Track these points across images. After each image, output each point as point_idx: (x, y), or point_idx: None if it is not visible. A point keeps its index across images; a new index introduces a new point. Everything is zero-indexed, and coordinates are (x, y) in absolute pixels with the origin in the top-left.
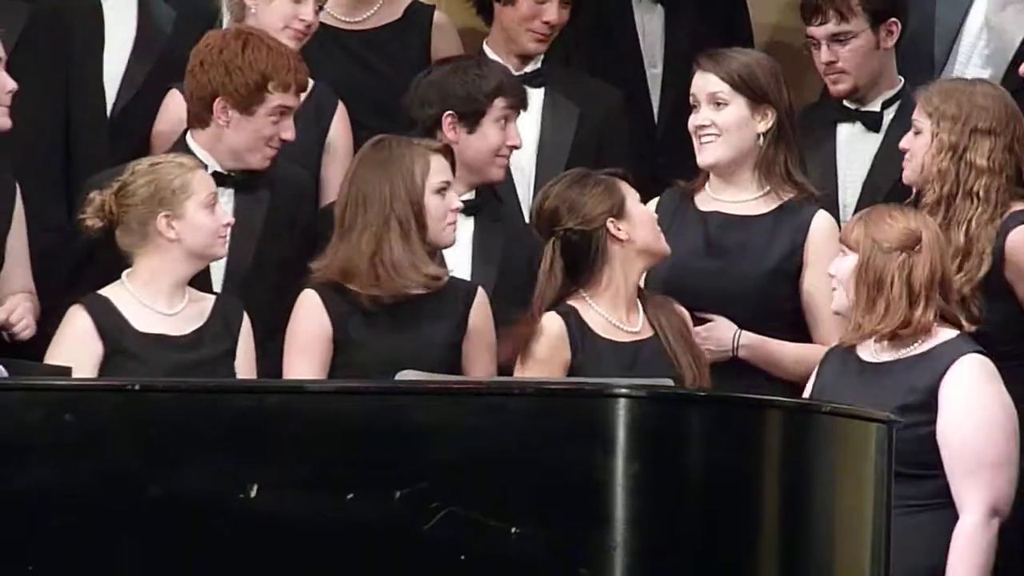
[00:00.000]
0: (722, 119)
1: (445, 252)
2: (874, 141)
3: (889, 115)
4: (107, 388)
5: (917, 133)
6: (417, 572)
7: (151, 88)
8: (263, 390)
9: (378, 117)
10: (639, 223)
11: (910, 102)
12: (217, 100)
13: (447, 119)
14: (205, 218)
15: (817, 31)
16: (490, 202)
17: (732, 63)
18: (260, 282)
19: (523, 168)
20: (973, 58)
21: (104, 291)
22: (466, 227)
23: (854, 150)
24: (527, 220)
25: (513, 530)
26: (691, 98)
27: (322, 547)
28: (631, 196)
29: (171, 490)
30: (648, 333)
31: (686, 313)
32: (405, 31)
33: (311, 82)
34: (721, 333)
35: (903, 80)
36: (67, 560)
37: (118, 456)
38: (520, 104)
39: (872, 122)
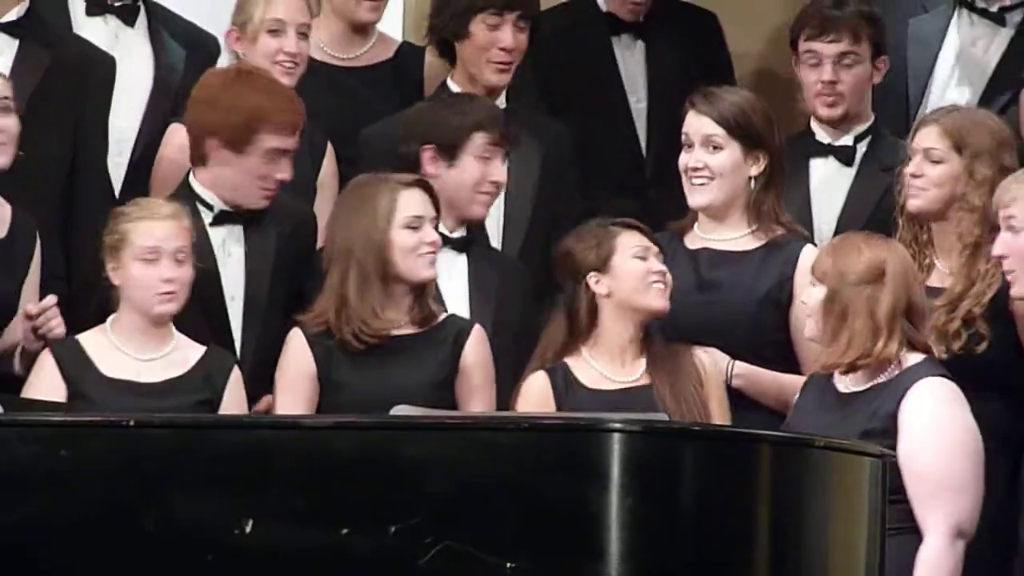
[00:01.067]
0: (716, 163)
1: (443, 289)
2: (847, 175)
3: (861, 149)
4: (102, 424)
5: (936, 163)
6: None
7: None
8: (257, 425)
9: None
10: (624, 278)
11: (881, 137)
12: (210, 138)
13: (425, 152)
14: (138, 272)
15: (825, 48)
16: (483, 239)
17: (727, 105)
18: (276, 318)
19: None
20: (947, 94)
21: (83, 334)
22: (460, 264)
23: (828, 185)
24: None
25: (508, 564)
26: (684, 137)
27: None
28: (624, 250)
29: (166, 525)
30: (645, 381)
31: (708, 364)
32: (398, 69)
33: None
34: (716, 362)
35: (874, 116)
36: None
37: (113, 491)
38: (504, 141)
39: (845, 156)
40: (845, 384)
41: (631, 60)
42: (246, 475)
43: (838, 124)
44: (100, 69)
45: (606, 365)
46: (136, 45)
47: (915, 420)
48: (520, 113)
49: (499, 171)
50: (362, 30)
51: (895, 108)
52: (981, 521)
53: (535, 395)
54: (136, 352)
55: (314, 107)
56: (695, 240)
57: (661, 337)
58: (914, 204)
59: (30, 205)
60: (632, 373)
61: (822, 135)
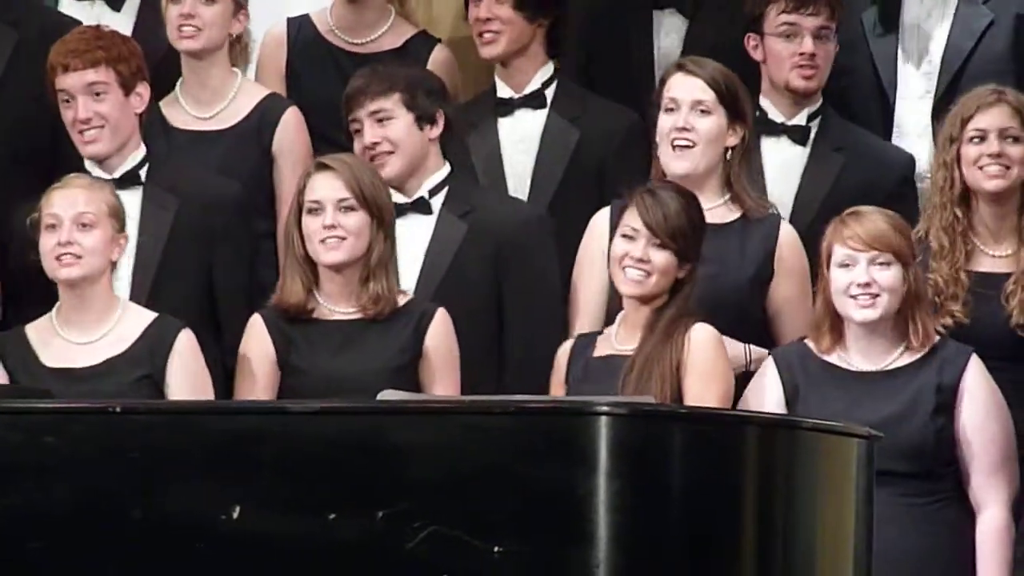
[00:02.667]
0: (704, 127)
1: (402, 253)
2: (801, 155)
3: (814, 128)
4: (88, 411)
5: (1016, 140)
6: None
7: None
8: (244, 411)
9: None
10: (611, 257)
11: (831, 117)
12: None
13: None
14: (42, 240)
15: (805, 20)
16: (460, 193)
17: (715, 71)
18: (171, 291)
19: (518, 194)
20: (914, 73)
21: (31, 324)
22: (426, 224)
23: (781, 164)
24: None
25: (496, 549)
26: (667, 101)
27: (305, 568)
28: (620, 227)
29: (152, 512)
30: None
31: (699, 331)
32: (402, 59)
33: (262, 93)
34: (733, 349)
35: (822, 97)
36: None
37: (99, 478)
38: (355, 106)
39: (799, 136)
40: (856, 363)
41: (668, 38)
42: (233, 461)
43: (803, 99)
44: (72, 27)
45: (620, 334)
46: (121, 30)
47: (980, 393)
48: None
49: (368, 135)
50: (368, 17)
51: (871, 98)
52: None
53: (556, 361)
54: (77, 336)
55: (311, 84)
56: None
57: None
58: (998, 184)
59: (11, 179)
60: (630, 343)
61: (775, 114)
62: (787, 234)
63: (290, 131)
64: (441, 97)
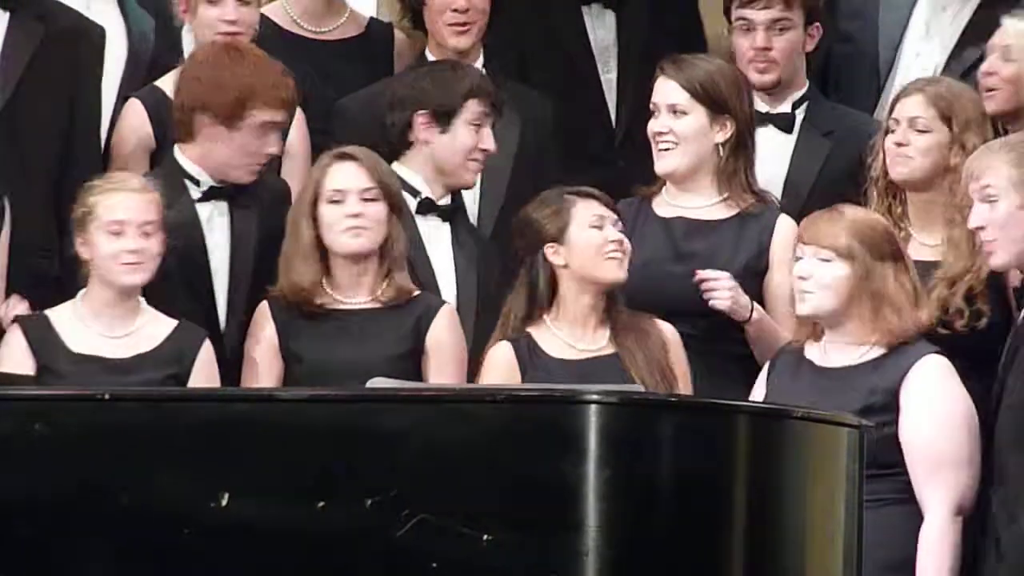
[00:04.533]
0: (680, 128)
1: (432, 259)
2: (788, 142)
3: (800, 115)
4: (77, 397)
5: (922, 132)
6: None
7: None
8: (233, 398)
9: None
10: (580, 249)
11: (818, 102)
12: (200, 113)
13: (420, 119)
14: (104, 244)
15: (757, 15)
16: (463, 211)
17: (695, 71)
18: (260, 293)
19: None
20: (918, 60)
21: (52, 309)
22: (444, 232)
23: (769, 153)
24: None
25: (485, 537)
26: (652, 104)
27: (293, 555)
28: (579, 220)
29: (141, 499)
30: (610, 350)
31: (669, 333)
32: (368, 44)
33: None
34: (743, 296)
35: (809, 82)
36: (36, 570)
37: (88, 465)
38: (494, 108)
39: (784, 123)
40: (824, 358)
41: (601, 31)
42: (222, 449)
43: (772, 91)
44: (92, 40)
45: (569, 334)
46: (108, 16)
47: (919, 397)
48: (501, 81)
49: (489, 139)
50: (334, 4)
51: (865, 74)
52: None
53: (500, 365)
54: (104, 328)
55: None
56: (665, 207)
57: (624, 306)
58: (900, 172)
59: (24, 178)
60: (596, 342)
61: (760, 104)
62: (784, 227)
63: (301, 131)
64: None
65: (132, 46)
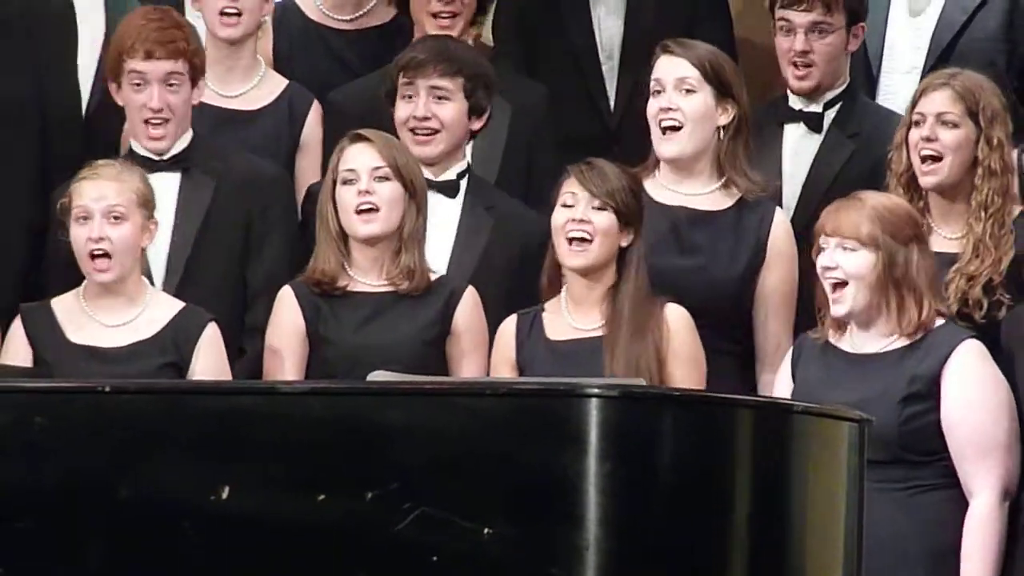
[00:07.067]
0: (689, 107)
1: (429, 234)
2: (815, 141)
3: (830, 116)
4: (77, 390)
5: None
6: (389, 573)
7: None
8: (234, 391)
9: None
10: (553, 228)
11: (854, 102)
12: (110, 82)
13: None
14: (74, 233)
15: (798, 17)
16: (484, 188)
17: (701, 51)
18: (205, 273)
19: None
20: (903, 47)
21: (57, 299)
22: (451, 209)
23: (797, 150)
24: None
25: (485, 530)
26: (654, 83)
27: (293, 548)
28: (560, 196)
29: (141, 492)
30: (603, 332)
31: (674, 318)
32: (386, 35)
33: (284, 82)
34: None
35: (848, 80)
36: (37, 562)
37: (88, 458)
38: (417, 75)
39: (814, 122)
40: (854, 344)
41: (607, 19)
42: (222, 441)
43: (815, 93)
44: (54, 10)
45: (573, 312)
46: (91, 11)
47: (963, 381)
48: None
49: (421, 107)
50: None
51: (863, 66)
52: None
53: (501, 337)
54: (104, 317)
55: (302, 66)
56: (663, 192)
57: (636, 290)
58: (930, 181)
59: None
60: (592, 322)
61: (794, 100)
62: (780, 222)
63: (316, 124)
64: (491, 94)
65: (110, 24)
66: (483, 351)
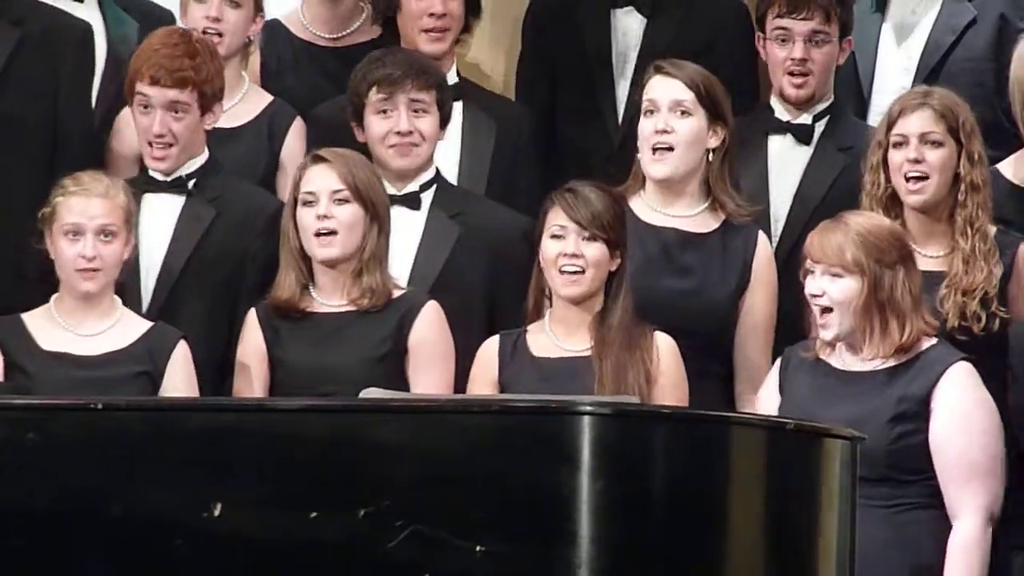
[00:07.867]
0: (684, 129)
1: (393, 248)
2: (804, 153)
3: (820, 128)
4: (70, 407)
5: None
6: None
7: (123, 103)
8: (225, 409)
9: None
10: (542, 257)
11: (841, 117)
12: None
13: (352, 122)
14: (63, 247)
15: (798, 25)
16: (452, 196)
17: (694, 73)
18: (192, 299)
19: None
20: (893, 68)
21: (28, 312)
22: (414, 221)
23: (784, 162)
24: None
25: (478, 548)
26: (647, 103)
27: (285, 566)
28: (547, 227)
29: (134, 509)
30: (588, 353)
31: (662, 344)
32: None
33: (268, 98)
34: None
35: (834, 96)
36: None
37: (80, 475)
38: (396, 89)
39: (803, 134)
40: (843, 361)
41: (625, 36)
42: (214, 459)
43: (808, 103)
44: (74, 35)
45: (559, 333)
46: (86, 18)
47: (952, 404)
48: (470, 90)
49: (403, 121)
50: (345, 10)
51: (846, 86)
52: None
53: (481, 358)
54: (78, 328)
55: (290, 84)
56: (651, 214)
57: (624, 312)
58: (916, 200)
59: (11, 177)
60: (580, 343)
61: (781, 112)
62: (763, 246)
63: (298, 140)
64: (451, 103)
65: (112, 48)
66: (444, 365)
